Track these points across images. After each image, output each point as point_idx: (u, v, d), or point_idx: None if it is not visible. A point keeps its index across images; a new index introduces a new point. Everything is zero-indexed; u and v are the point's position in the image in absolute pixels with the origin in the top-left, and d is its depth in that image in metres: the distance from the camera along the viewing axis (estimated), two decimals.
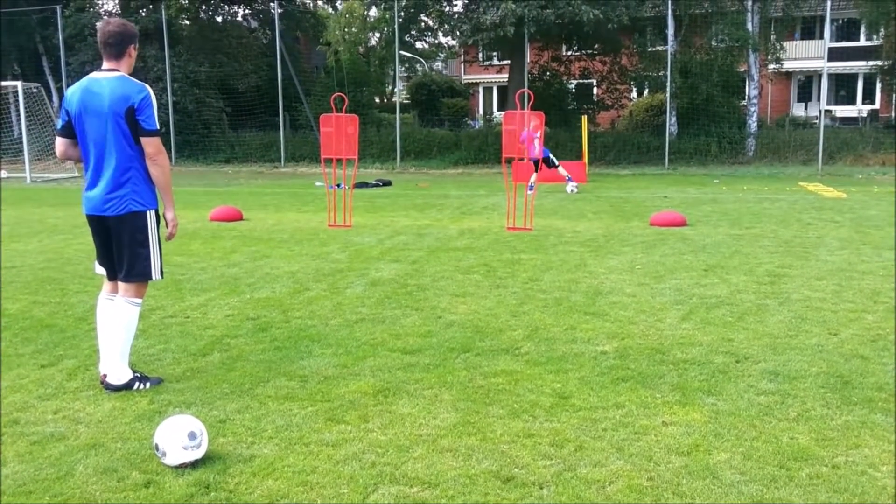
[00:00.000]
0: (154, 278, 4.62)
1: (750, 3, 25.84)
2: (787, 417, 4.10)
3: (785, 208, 13.79)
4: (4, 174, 23.62)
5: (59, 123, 4.60)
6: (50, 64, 32.25)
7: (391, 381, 4.69)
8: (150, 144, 4.44)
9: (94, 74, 4.51)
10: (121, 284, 4.59)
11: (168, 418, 3.71)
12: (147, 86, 4.49)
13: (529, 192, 13.49)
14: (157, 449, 3.55)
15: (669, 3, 25.33)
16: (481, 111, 42.57)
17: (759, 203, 14.76)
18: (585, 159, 21.85)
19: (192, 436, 3.53)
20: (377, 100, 42.56)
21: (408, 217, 13.04)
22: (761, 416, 4.12)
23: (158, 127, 4.49)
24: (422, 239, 10.47)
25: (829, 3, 24.83)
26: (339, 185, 13.74)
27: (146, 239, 4.53)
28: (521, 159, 13.65)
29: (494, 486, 3.37)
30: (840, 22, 36.60)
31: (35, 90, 24.53)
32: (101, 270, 4.74)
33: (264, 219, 12.91)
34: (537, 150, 13.99)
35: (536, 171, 15.73)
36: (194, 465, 3.54)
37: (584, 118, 23.28)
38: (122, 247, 4.52)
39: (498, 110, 41.30)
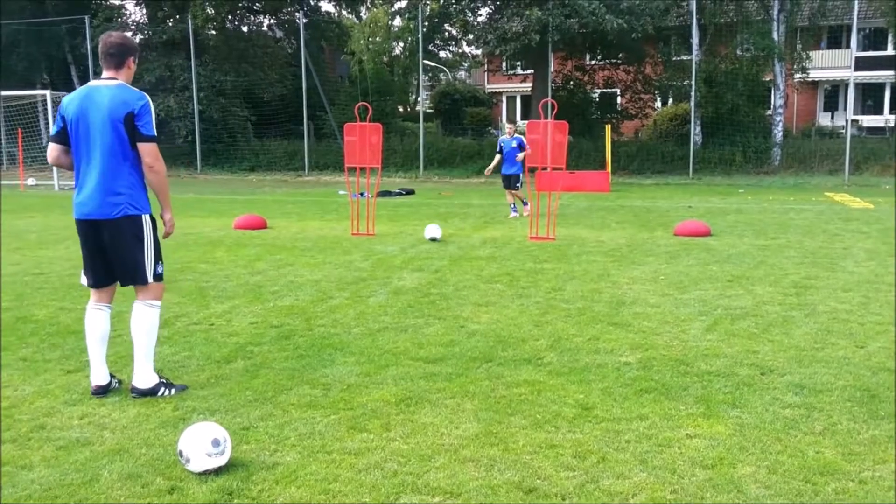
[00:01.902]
0: (149, 282, 4.63)
1: (776, 12, 25.69)
2: (812, 431, 4.05)
3: (811, 219, 13.66)
4: (32, 181, 23.98)
5: (53, 129, 4.66)
6: (78, 73, 32.80)
7: (413, 390, 4.69)
8: (148, 150, 4.48)
9: (94, 82, 4.59)
10: (137, 290, 4.64)
11: (192, 425, 3.74)
12: (146, 94, 4.57)
13: (525, 214, 13.42)
14: (182, 455, 3.58)
15: (694, 12, 25.24)
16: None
17: (784, 213, 14.63)
18: (609, 169, 21.80)
19: (216, 443, 3.55)
20: (401, 109, 42.75)
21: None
22: (787, 429, 4.07)
23: (156, 134, 4.53)
24: (444, 248, 10.48)
25: (855, 12, 24.64)
26: (362, 194, 13.79)
27: (142, 241, 4.57)
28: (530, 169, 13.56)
29: (516, 497, 3.36)
30: (867, 31, 36.26)
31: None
32: (86, 280, 4.74)
33: (288, 227, 12.99)
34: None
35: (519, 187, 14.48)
36: (218, 471, 3.56)
37: (608, 127, 23.24)
38: (121, 252, 4.54)
39: (521, 119, 41.31)
